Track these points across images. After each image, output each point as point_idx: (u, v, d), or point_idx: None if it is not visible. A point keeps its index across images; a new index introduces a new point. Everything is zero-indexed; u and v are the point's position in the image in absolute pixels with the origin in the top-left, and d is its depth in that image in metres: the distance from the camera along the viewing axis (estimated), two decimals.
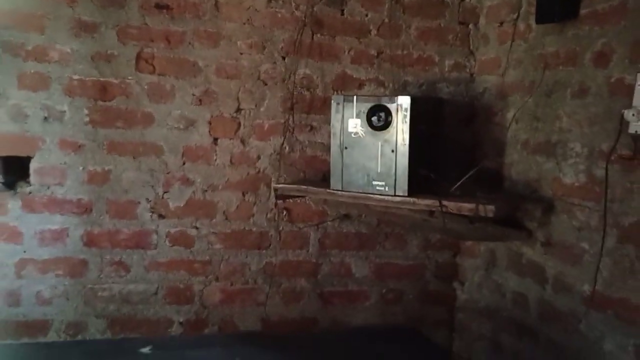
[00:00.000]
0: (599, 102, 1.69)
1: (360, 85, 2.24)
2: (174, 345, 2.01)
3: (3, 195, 1.99)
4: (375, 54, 2.25)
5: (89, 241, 2.06)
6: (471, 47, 2.32)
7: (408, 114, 1.83)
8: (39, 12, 1.95)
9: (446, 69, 2.31)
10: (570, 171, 1.79)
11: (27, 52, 1.96)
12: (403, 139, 1.85)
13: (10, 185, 2.00)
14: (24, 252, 2.01)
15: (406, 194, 1.85)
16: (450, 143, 2.19)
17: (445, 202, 1.80)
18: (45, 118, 1.99)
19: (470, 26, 2.31)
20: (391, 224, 2.27)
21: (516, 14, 2.06)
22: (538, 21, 1.90)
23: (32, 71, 1.96)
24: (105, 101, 2.03)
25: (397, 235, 2.32)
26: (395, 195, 1.86)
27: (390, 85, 2.25)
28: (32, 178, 2.00)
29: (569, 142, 1.80)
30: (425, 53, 2.29)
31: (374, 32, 2.24)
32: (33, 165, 2.00)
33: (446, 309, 2.38)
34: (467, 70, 2.32)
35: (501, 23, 2.17)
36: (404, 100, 1.84)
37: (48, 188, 2.02)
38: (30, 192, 2.00)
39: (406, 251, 2.34)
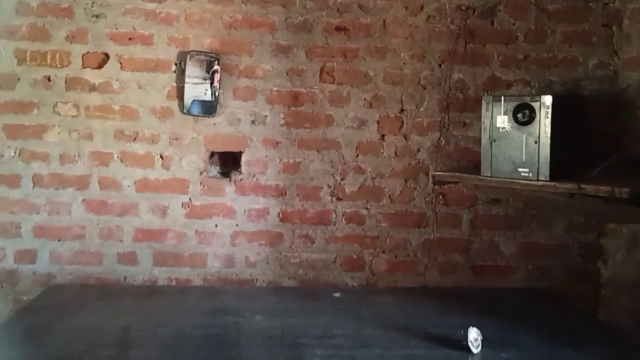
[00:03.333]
0: None
1: (508, 86, 2.64)
2: (358, 294, 2.55)
3: (221, 181, 2.67)
4: (522, 58, 2.63)
5: (284, 218, 2.69)
6: (615, 47, 2.61)
7: (550, 110, 2.21)
8: (249, 40, 2.61)
9: (590, 68, 2.62)
10: None
11: (239, 71, 2.62)
12: (545, 132, 2.22)
13: (226, 174, 2.69)
14: (237, 225, 2.68)
15: (548, 179, 2.23)
16: (594, 135, 2.50)
17: (583, 185, 2.15)
18: (253, 122, 2.64)
19: (614, 28, 2.60)
20: (536, 207, 2.64)
21: None
22: None
23: (244, 86, 2.62)
24: (296, 107, 2.64)
25: (543, 218, 2.68)
26: (538, 180, 2.25)
27: (536, 84, 2.62)
28: (243, 168, 2.66)
29: None
30: (569, 54, 2.63)
31: (521, 38, 2.63)
32: (243, 159, 2.66)
33: (590, 285, 2.68)
34: (611, 68, 2.61)
35: None
36: (547, 99, 2.22)
37: (254, 176, 2.67)
38: (241, 179, 2.67)
39: (551, 232, 2.69)
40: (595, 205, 2.25)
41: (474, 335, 1.71)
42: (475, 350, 1.69)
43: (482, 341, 1.72)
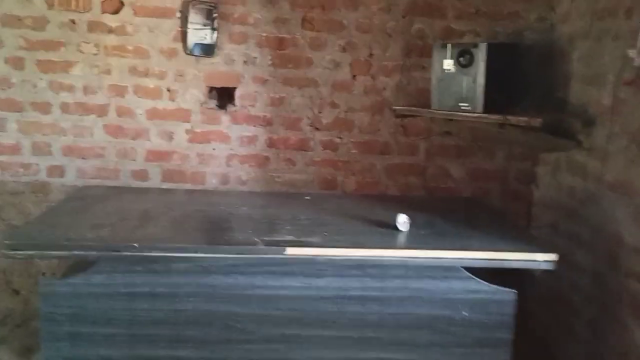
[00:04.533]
0: (624, 45, 2.46)
1: (461, 36, 3.15)
2: (325, 197, 3.11)
3: (219, 112, 3.22)
4: (474, 12, 3.13)
5: (270, 144, 3.24)
6: (552, 3, 3.10)
7: (485, 55, 2.74)
8: None
9: (531, 21, 3.12)
10: (606, 95, 2.59)
11: (234, 18, 3.13)
12: (481, 73, 2.76)
13: (223, 106, 3.24)
14: (231, 149, 3.24)
15: (482, 112, 2.77)
16: (532, 78, 3.02)
17: (508, 117, 2.70)
18: (245, 62, 3.17)
19: None
20: (481, 139, 3.19)
21: None
22: None
23: (238, 31, 3.14)
24: (281, 50, 3.16)
25: (487, 148, 3.23)
26: (474, 112, 2.80)
27: (484, 34, 3.13)
28: (236, 101, 3.20)
29: (607, 74, 2.60)
30: (513, 9, 3.12)
31: None
32: (237, 93, 3.20)
33: (525, 204, 3.26)
34: (548, 21, 3.12)
35: None
36: (482, 46, 2.75)
37: (245, 108, 3.21)
38: (235, 110, 3.21)
39: (494, 160, 3.25)
40: (521, 134, 2.81)
41: (403, 219, 2.28)
42: (402, 229, 2.28)
43: (410, 224, 2.30)
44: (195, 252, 2.01)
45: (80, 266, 2.11)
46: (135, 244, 1.98)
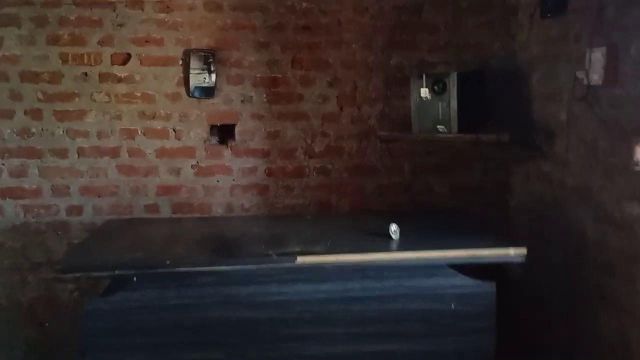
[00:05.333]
0: (575, 67, 2.87)
1: (434, 66, 3.56)
2: (323, 216, 3.51)
3: (221, 147, 3.57)
4: (444, 44, 3.56)
5: (269, 173, 3.60)
6: (513, 33, 3.53)
7: (455, 82, 3.14)
8: (237, 39, 3.50)
9: (494, 50, 3.55)
10: (562, 110, 3.00)
11: (231, 62, 3.52)
12: (454, 98, 3.17)
13: (224, 142, 3.60)
14: (233, 180, 3.59)
15: (457, 132, 3.17)
16: (496, 99, 3.43)
17: (480, 135, 3.09)
18: (242, 101, 3.55)
19: (511, 18, 3.53)
20: (458, 157, 3.58)
21: (534, 9, 3.27)
22: (542, 15, 3.12)
23: (234, 74, 3.53)
24: (275, 88, 3.54)
25: (465, 165, 3.62)
26: (450, 134, 3.19)
27: (454, 64, 3.54)
28: (236, 137, 3.57)
29: (562, 92, 3.01)
30: (479, 40, 3.55)
31: (442, 29, 3.55)
32: (236, 129, 3.56)
33: (502, 212, 3.63)
34: (510, 49, 3.54)
35: (531, 15, 3.37)
36: (453, 75, 3.15)
37: (245, 142, 3.58)
38: (235, 145, 3.58)
39: (472, 175, 3.64)
40: (493, 150, 3.22)
41: (393, 228, 2.65)
42: (394, 237, 2.64)
43: (400, 232, 2.66)
44: (219, 265, 2.37)
45: (111, 288, 2.46)
46: (167, 261, 2.33)
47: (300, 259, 2.39)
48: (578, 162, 2.87)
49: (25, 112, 3.43)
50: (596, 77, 2.65)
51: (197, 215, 3.57)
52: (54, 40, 3.40)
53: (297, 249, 2.48)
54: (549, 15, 3.06)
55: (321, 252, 2.46)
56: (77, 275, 2.34)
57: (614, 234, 2.59)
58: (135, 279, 2.37)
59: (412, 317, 2.50)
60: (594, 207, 2.75)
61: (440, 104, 3.21)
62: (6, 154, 3.42)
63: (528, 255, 2.54)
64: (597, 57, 2.62)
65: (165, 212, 3.56)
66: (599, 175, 2.71)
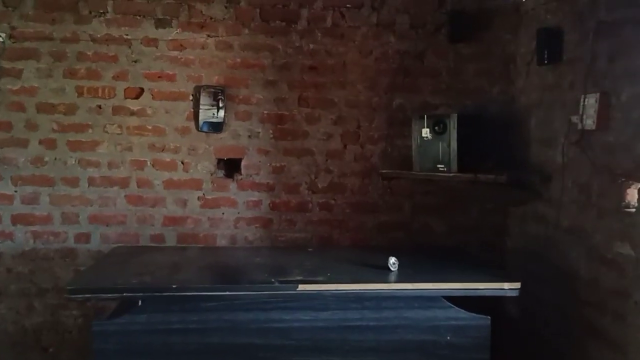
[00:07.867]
0: (569, 112, 3.05)
1: (435, 108, 3.75)
2: (324, 248, 3.65)
3: (227, 181, 3.74)
4: (445, 88, 3.76)
5: (273, 207, 3.76)
6: (511, 79, 3.74)
7: (455, 123, 3.33)
8: (246, 77, 3.71)
9: (494, 94, 3.75)
10: (558, 154, 3.16)
11: (239, 99, 3.72)
12: (454, 139, 3.34)
13: (230, 175, 3.77)
14: (238, 213, 3.75)
15: (456, 172, 3.33)
16: (494, 141, 3.60)
17: (478, 175, 3.26)
18: (249, 136, 3.73)
19: (510, 65, 3.74)
20: (457, 197, 3.74)
21: (531, 58, 3.47)
22: (538, 63, 3.32)
23: (242, 110, 3.72)
24: (281, 125, 3.74)
25: (464, 205, 3.78)
26: (449, 173, 3.35)
27: (455, 106, 3.74)
28: (242, 171, 3.74)
29: (558, 137, 3.18)
30: (478, 84, 3.76)
31: (443, 73, 3.76)
32: (243, 163, 3.74)
33: (499, 253, 3.77)
34: (509, 94, 3.74)
35: (528, 63, 3.58)
36: (454, 117, 3.34)
37: (250, 176, 3.75)
38: (241, 179, 3.75)
39: (469, 215, 3.80)
40: (490, 190, 3.37)
41: (392, 261, 2.79)
42: (393, 269, 2.78)
43: (398, 265, 2.80)
44: (223, 290, 2.50)
45: (117, 311, 2.59)
46: (174, 285, 2.47)
47: (302, 287, 2.52)
48: (572, 204, 3.02)
49: (40, 142, 3.61)
50: (590, 122, 2.81)
51: (202, 245, 3.71)
52: (71, 74, 3.61)
53: (299, 278, 2.62)
54: (545, 63, 3.25)
55: (322, 280, 2.60)
56: (87, 296, 2.48)
57: (605, 273, 2.72)
58: (140, 302, 2.51)
59: (408, 348, 2.62)
60: (587, 247, 2.88)
61: (440, 144, 3.39)
62: (19, 182, 3.60)
63: (524, 293, 2.69)
64: (591, 102, 2.80)
65: (171, 242, 3.70)
66: (592, 217, 2.85)
